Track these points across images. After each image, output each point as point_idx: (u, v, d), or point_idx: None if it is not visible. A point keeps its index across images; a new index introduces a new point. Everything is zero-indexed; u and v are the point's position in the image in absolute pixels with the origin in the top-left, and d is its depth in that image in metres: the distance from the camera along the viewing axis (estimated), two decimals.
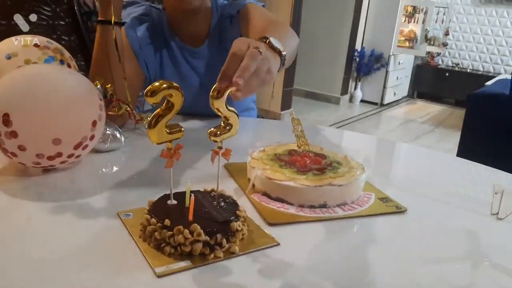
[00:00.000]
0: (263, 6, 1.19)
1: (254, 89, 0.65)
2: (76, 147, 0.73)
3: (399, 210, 0.72)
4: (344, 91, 5.21)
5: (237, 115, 0.61)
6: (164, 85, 0.52)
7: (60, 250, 0.55)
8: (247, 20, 1.10)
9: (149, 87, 0.52)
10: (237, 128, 0.61)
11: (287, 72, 4.07)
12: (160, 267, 0.52)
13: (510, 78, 2.55)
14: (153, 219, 0.57)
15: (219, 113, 0.59)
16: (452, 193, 0.85)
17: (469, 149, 2.62)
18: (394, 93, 5.42)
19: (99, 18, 0.97)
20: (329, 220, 0.67)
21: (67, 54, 1.07)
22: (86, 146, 0.75)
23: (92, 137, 0.76)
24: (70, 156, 0.74)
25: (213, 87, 0.58)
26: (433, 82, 5.64)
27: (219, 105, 0.58)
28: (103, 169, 0.84)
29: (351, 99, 5.32)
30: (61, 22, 2.34)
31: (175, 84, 0.53)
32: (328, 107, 5.02)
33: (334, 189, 0.70)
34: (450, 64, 5.80)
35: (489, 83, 3.72)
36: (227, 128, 0.60)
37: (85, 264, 0.53)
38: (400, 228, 0.69)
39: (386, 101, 5.25)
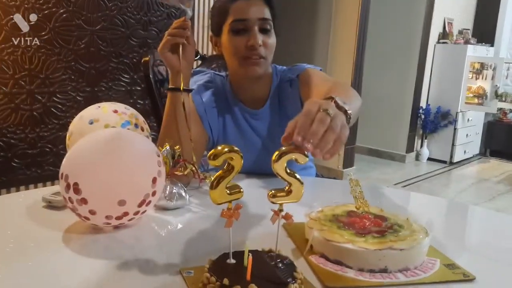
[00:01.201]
0: (321, 70, 1.24)
1: (334, 148, 0.66)
2: (140, 204, 0.78)
3: (467, 278, 0.68)
4: (410, 148, 5.06)
5: (301, 182, 0.62)
6: (226, 149, 0.56)
7: None
8: (309, 83, 1.15)
9: (212, 151, 0.56)
10: (300, 195, 0.63)
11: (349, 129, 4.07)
12: None
13: None
14: (212, 278, 0.59)
15: (280, 177, 0.62)
16: None
17: None
18: (465, 151, 5.17)
19: (169, 86, 1.07)
20: (391, 286, 0.65)
21: (141, 118, 1.17)
22: (149, 202, 0.80)
23: (154, 193, 0.80)
24: (135, 213, 0.79)
25: (276, 152, 0.61)
26: (507, 139, 5.33)
27: (278, 169, 0.61)
28: (168, 227, 0.89)
29: (417, 157, 5.15)
30: (137, 88, 2.57)
31: (235, 148, 0.57)
32: (393, 165, 4.89)
33: (395, 254, 0.68)
34: None
35: None
36: (288, 193, 0.62)
37: None
38: None
39: (455, 159, 5.01)
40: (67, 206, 0.79)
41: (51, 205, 0.91)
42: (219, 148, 0.56)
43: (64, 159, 0.79)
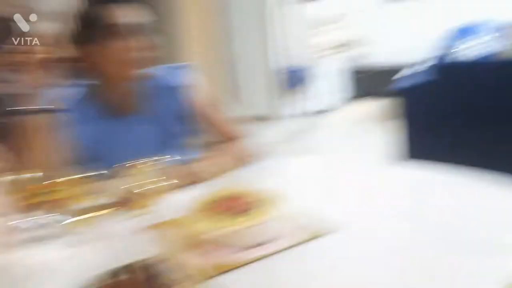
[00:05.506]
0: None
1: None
2: None
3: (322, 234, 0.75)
4: (275, 109, 5.31)
5: None
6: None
7: None
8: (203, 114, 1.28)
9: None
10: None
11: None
12: None
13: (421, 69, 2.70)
14: None
15: None
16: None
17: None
18: (324, 102, 5.59)
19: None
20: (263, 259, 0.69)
21: None
22: None
23: None
24: None
25: None
26: (369, 83, 5.78)
27: None
28: None
29: (280, 116, 5.38)
30: None
31: None
32: (260, 127, 5.02)
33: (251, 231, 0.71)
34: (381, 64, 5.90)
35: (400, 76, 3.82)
36: None
37: None
38: (330, 249, 0.72)
39: (316, 112, 5.39)
40: None
41: None
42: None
43: None
